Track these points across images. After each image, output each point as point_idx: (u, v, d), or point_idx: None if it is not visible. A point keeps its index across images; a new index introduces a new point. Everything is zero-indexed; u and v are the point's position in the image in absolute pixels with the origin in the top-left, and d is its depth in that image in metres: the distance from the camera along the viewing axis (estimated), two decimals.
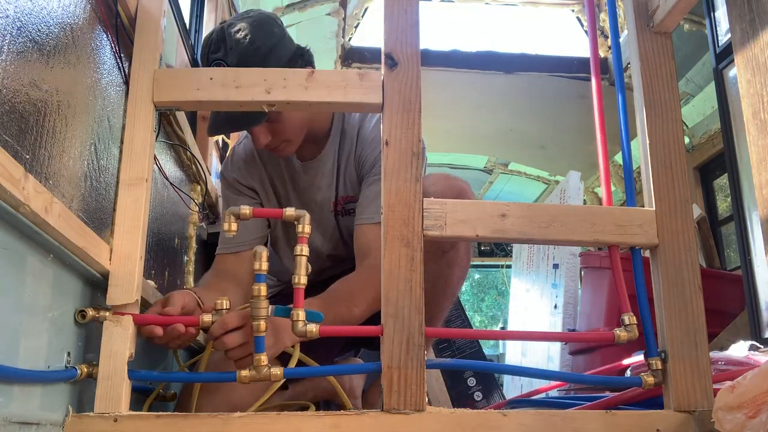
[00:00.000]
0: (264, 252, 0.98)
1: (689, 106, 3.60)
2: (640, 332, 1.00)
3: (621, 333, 0.99)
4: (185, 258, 1.78)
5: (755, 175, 0.92)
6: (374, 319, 0.95)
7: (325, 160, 1.48)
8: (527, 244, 4.24)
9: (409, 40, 1.02)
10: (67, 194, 0.89)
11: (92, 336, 0.98)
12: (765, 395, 0.72)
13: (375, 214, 1.34)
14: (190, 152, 1.67)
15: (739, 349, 1.29)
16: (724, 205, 3.72)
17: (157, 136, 1.07)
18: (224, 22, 1.33)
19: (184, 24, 2.17)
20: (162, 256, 1.49)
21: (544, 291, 3.80)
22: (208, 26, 2.39)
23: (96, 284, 0.99)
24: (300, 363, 1.19)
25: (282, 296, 1.63)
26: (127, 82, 1.04)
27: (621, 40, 1.25)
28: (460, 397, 2.32)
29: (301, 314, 0.96)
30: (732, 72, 2.25)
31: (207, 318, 1.01)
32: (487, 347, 5.59)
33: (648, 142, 1.04)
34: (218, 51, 1.28)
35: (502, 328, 7.53)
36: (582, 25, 3.79)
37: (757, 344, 1.30)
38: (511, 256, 5.06)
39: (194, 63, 2.20)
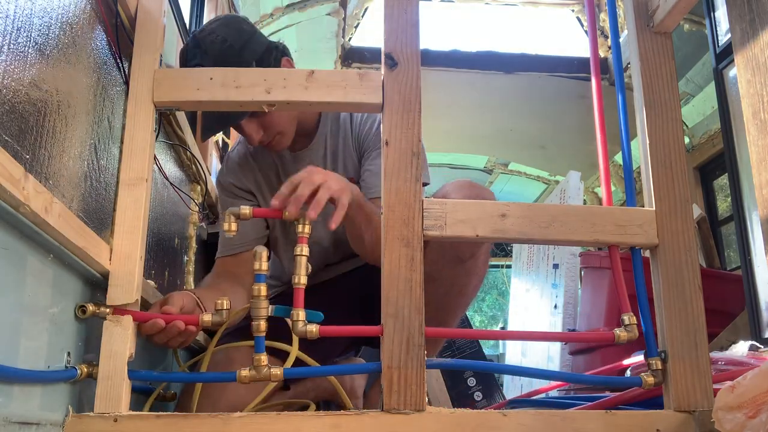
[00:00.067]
0: (264, 252, 0.98)
1: (689, 106, 3.60)
2: (640, 332, 1.00)
3: (621, 333, 0.99)
4: (185, 258, 1.78)
5: (755, 175, 0.92)
6: (374, 319, 0.95)
7: (317, 147, 1.49)
8: (527, 244, 4.24)
9: (409, 40, 1.03)
10: (67, 194, 0.89)
11: (92, 336, 0.98)
12: (765, 395, 0.72)
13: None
14: (190, 152, 1.67)
15: (739, 349, 1.29)
16: (724, 205, 3.72)
17: (157, 136, 1.07)
18: (194, 31, 1.36)
19: (184, 24, 2.17)
20: (162, 256, 1.49)
21: (544, 291, 3.80)
22: None
23: (96, 284, 0.99)
24: (301, 363, 1.19)
25: (284, 297, 1.63)
26: (127, 82, 1.04)
27: (621, 40, 1.25)
28: (460, 397, 2.32)
29: (301, 314, 0.96)
30: (732, 72, 2.25)
31: (207, 318, 1.02)
32: (487, 347, 5.59)
33: (648, 142, 1.04)
34: (194, 57, 1.31)
35: (502, 328, 7.53)
36: (582, 25, 3.79)
37: (757, 344, 1.31)
38: (511, 256, 5.06)
39: None
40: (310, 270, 1.00)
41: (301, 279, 0.98)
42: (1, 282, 0.72)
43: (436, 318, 1.20)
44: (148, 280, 1.22)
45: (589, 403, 1.05)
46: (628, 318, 1.00)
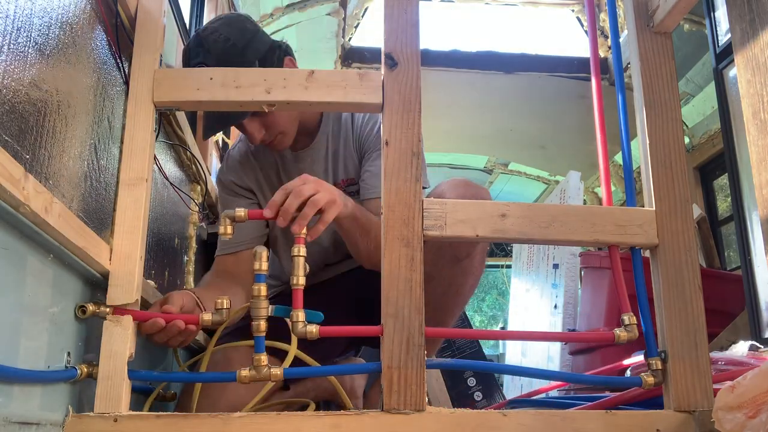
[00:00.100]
0: (264, 252, 0.98)
1: (689, 106, 3.60)
2: (640, 332, 1.00)
3: (621, 333, 0.99)
4: (185, 258, 1.78)
5: (755, 175, 0.92)
6: (373, 318, 0.95)
7: (318, 147, 1.48)
8: (527, 244, 4.24)
9: (409, 40, 1.03)
10: (67, 194, 0.89)
11: (92, 336, 0.98)
12: (765, 395, 0.72)
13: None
14: (190, 152, 1.67)
15: (739, 349, 1.29)
16: (724, 205, 3.72)
17: (157, 136, 1.07)
18: (197, 29, 1.35)
19: (184, 24, 2.17)
20: (162, 256, 1.49)
21: (544, 291, 3.80)
22: None
23: (96, 284, 0.99)
24: (301, 363, 1.19)
25: (283, 296, 1.63)
26: (127, 82, 1.04)
27: (621, 40, 1.25)
28: (460, 397, 2.32)
29: (300, 315, 0.96)
30: (732, 72, 2.25)
31: (207, 317, 1.02)
32: (487, 347, 5.59)
33: (648, 142, 1.04)
34: (197, 56, 1.31)
35: (502, 328, 7.53)
36: (582, 25, 3.79)
37: (757, 344, 1.31)
38: (511, 256, 5.06)
39: None
40: (308, 270, 1.00)
41: (300, 280, 0.98)
42: (1, 282, 0.72)
43: (434, 318, 1.20)
44: (148, 280, 1.22)
45: (589, 403, 1.05)
46: (628, 318, 1.00)
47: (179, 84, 1.02)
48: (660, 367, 0.97)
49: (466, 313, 2.56)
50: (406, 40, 1.02)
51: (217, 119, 1.35)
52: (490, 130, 4.42)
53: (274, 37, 1.45)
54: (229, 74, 1.02)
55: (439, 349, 2.36)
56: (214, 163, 2.35)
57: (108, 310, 0.93)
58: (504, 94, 3.91)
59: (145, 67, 1.03)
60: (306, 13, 3.33)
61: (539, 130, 4.31)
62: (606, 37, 3.49)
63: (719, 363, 1.20)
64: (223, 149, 2.58)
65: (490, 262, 6.65)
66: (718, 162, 3.53)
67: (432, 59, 3.63)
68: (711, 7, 2.37)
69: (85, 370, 0.91)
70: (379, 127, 1.46)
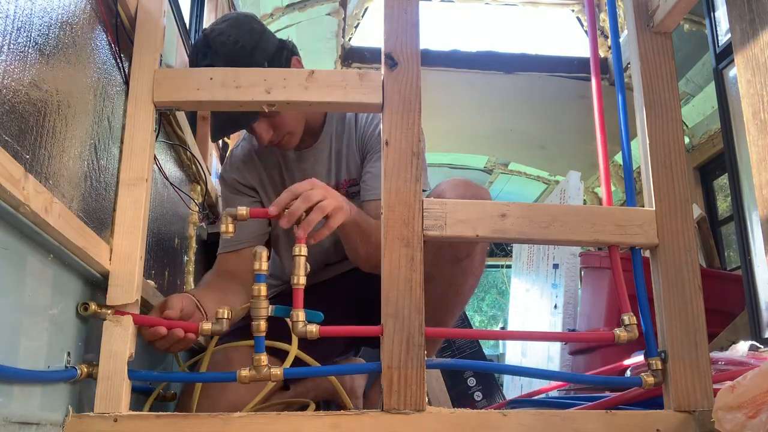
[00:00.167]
0: (264, 252, 0.98)
1: (689, 106, 3.60)
2: (640, 332, 1.00)
3: (621, 333, 0.99)
4: (185, 258, 1.78)
5: (755, 175, 0.92)
6: (373, 318, 0.95)
7: (322, 147, 1.49)
8: (527, 244, 4.24)
9: (409, 40, 1.02)
10: (67, 194, 0.89)
11: (92, 336, 0.98)
12: (765, 395, 0.72)
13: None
14: (190, 152, 1.67)
15: (739, 349, 1.29)
16: (724, 205, 3.72)
17: (157, 136, 1.07)
18: (204, 30, 1.35)
19: (184, 24, 2.17)
20: (162, 256, 1.49)
21: (544, 291, 3.80)
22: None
23: (96, 284, 0.99)
24: (301, 363, 1.19)
25: (284, 296, 1.63)
26: (127, 82, 1.04)
27: (621, 40, 1.25)
28: (460, 397, 2.32)
29: (300, 315, 0.96)
30: (732, 72, 2.25)
31: (207, 326, 1.01)
32: (487, 347, 5.59)
33: (648, 142, 1.04)
34: (205, 58, 1.30)
35: (502, 328, 7.53)
36: (582, 25, 3.79)
37: (757, 344, 1.31)
38: (511, 256, 5.06)
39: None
40: (309, 270, 1.00)
41: (300, 279, 0.98)
42: (1, 282, 0.72)
43: (434, 318, 1.20)
44: (148, 280, 1.22)
45: (589, 403, 1.05)
46: (628, 318, 1.00)
47: (179, 84, 1.02)
48: (660, 367, 0.97)
49: (466, 313, 2.56)
50: (406, 40, 1.02)
51: (226, 121, 1.35)
52: (490, 130, 4.42)
53: None
54: (229, 74, 1.02)
55: (439, 349, 2.37)
56: (214, 163, 2.34)
57: (110, 312, 0.93)
58: (504, 94, 3.91)
59: (145, 67, 1.03)
60: (306, 13, 3.33)
61: (539, 130, 4.31)
62: (606, 37, 3.49)
63: (719, 363, 1.20)
64: (223, 149, 2.58)
65: (490, 262, 6.65)
66: (718, 162, 3.53)
67: (432, 59, 3.63)
68: (711, 7, 2.37)
69: (85, 370, 0.91)
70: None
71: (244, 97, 1.01)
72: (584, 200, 4.47)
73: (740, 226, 2.16)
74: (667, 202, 1.02)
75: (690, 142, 3.72)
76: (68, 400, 0.90)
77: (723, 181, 3.62)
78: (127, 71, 1.07)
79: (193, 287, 1.76)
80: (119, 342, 0.92)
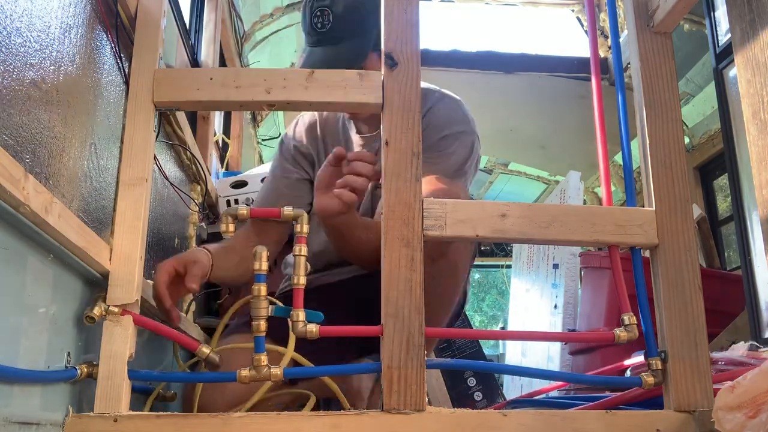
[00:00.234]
0: (264, 252, 0.98)
1: (689, 106, 3.60)
2: (640, 332, 1.00)
3: (621, 333, 0.99)
4: None
5: (755, 175, 0.92)
6: (375, 319, 0.95)
7: (379, 138, 1.47)
8: (527, 244, 4.24)
9: (409, 40, 1.03)
10: (67, 194, 0.89)
11: (92, 336, 0.98)
12: (765, 395, 0.72)
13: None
14: (190, 152, 1.67)
15: (739, 349, 1.29)
16: (724, 205, 3.72)
17: (157, 136, 1.07)
18: None
19: (184, 24, 2.17)
20: (162, 256, 1.49)
21: (544, 291, 3.80)
22: (208, 26, 2.38)
23: (96, 284, 0.99)
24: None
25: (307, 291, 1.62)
26: (127, 82, 1.04)
27: (621, 40, 1.25)
28: (460, 397, 2.32)
29: (300, 315, 0.96)
30: (732, 72, 2.25)
31: (206, 350, 1.04)
32: (487, 347, 5.59)
33: (648, 142, 1.04)
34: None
35: (502, 328, 7.53)
36: (582, 25, 3.79)
37: (757, 344, 1.30)
38: (511, 256, 5.05)
39: (194, 63, 2.20)
40: (309, 269, 1.00)
41: (300, 279, 0.98)
42: (1, 282, 0.72)
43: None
44: (148, 280, 1.22)
45: (589, 403, 1.05)
46: (628, 318, 1.00)
47: (179, 84, 1.02)
48: (660, 367, 0.97)
49: (466, 313, 2.56)
50: (406, 40, 1.02)
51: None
52: (490, 130, 4.41)
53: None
54: (229, 74, 1.02)
55: (439, 349, 2.37)
56: (214, 163, 2.35)
57: (116, 309, 0.93)
58: (504, 94, 3.90)
59: (145, 67, 1.03)
60: None
61: (539, 130, 4.31)
62: (606, 37, 3.49)
63: (719, 363, 1.20)
64: (223, 149, 2.58)
65: (490, 262, 6.65)
66: (718, 162, 3.53)
67: (432, 59, 3.62)
68: (711, 7, 2.37)
69: (85, 370, 0.91)
70: (440, 139, 1.46)
71: (244, 97, 1.01)
72: (584, 200, 4.47)
73: (740, 226, 2.16)
74: (667, 202, 1.02)
75: (690, 142, 3.72)
76: (68, 400, 0.90)
77: (723, 181, 3.62)
78: (127, 71, 1.07)
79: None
80: (119, 342, 0.92)
